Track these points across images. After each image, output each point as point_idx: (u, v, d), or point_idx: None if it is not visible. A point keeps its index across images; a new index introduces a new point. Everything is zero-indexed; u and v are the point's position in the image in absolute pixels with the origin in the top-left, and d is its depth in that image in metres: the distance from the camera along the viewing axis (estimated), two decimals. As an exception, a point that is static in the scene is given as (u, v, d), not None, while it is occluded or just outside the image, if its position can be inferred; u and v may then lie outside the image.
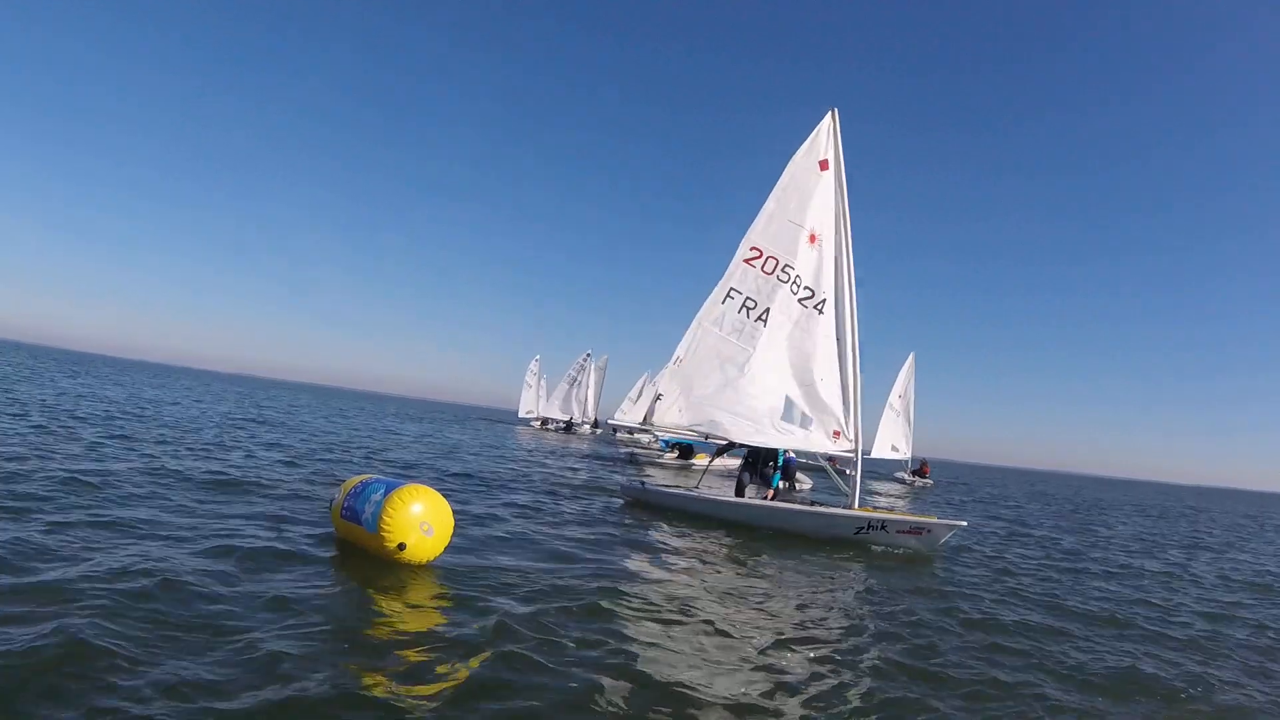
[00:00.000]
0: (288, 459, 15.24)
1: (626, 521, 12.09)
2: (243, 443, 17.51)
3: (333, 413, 43.72)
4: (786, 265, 12.71)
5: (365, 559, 6.87)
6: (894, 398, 38.37)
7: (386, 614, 5.64)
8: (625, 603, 6.58)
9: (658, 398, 33.14)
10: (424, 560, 6.64)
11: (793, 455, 24.10)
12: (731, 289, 12.98)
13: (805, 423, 12.70)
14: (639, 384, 49.69)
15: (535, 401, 61.45)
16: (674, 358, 12.82)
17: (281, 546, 7.18)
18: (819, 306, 12.57)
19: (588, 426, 54.33)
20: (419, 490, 6.62)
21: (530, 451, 28.69)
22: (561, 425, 53.60)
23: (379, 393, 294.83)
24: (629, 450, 30.97)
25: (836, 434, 12.66)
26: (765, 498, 13.22)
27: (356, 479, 7.36)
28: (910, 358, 38.93)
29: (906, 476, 37.17)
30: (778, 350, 12.81)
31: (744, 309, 12.96)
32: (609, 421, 45.39)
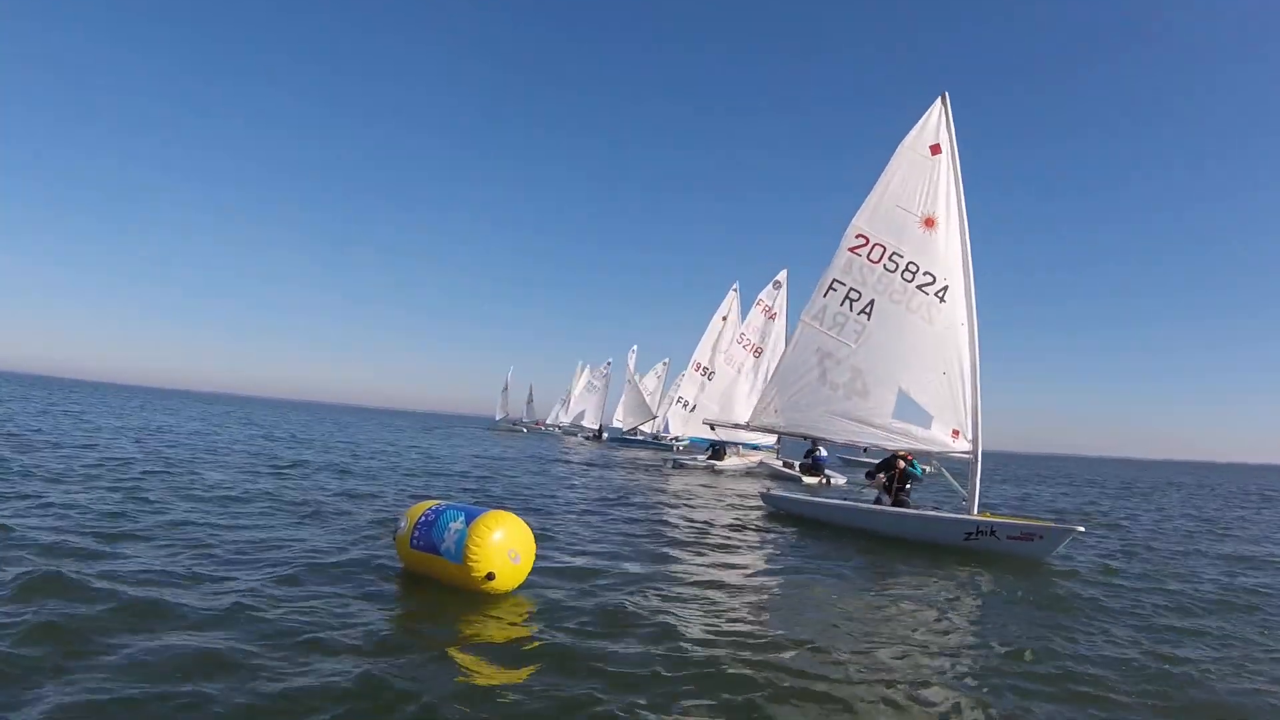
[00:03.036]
0: (329, 485, 13.33)
1: (751, 531, 10.91)
2: (279, 470, 15.45)
3: (334, 429, 40.61)
4: (895, 253, 11.09)
5: (445, 591, 6.11)
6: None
7: (490, 653, 4.86)
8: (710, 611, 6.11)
9: (679, 400, 32.04)
10: (510, 589, 6.08)
11: (823, 453, 23.03)
12: (835, 280, 11.39)
13: (924, 420, 10.91)
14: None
15: (503, 406, 68.26)
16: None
17: (353, 587, 6.21)
18: (940, 294, 10.94)
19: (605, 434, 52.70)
20: (501, 516, 6.03)
21: (580, 463, 26.54)
22: (592, 434, 51.20)
23: (324, 403, 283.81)
24: (673, 457, 28.93)
25: (955, 433, 10.87)
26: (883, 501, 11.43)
27: (423, 506, 6.54)
28: None
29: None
30: (888, 343, 11.22)
31: (847, 301, 11.35)
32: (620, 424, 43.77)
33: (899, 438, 11.27)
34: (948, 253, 11.12)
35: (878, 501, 11.87)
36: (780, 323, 27.16)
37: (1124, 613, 7.15)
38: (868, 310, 11.28)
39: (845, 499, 12.19)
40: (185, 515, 8.92)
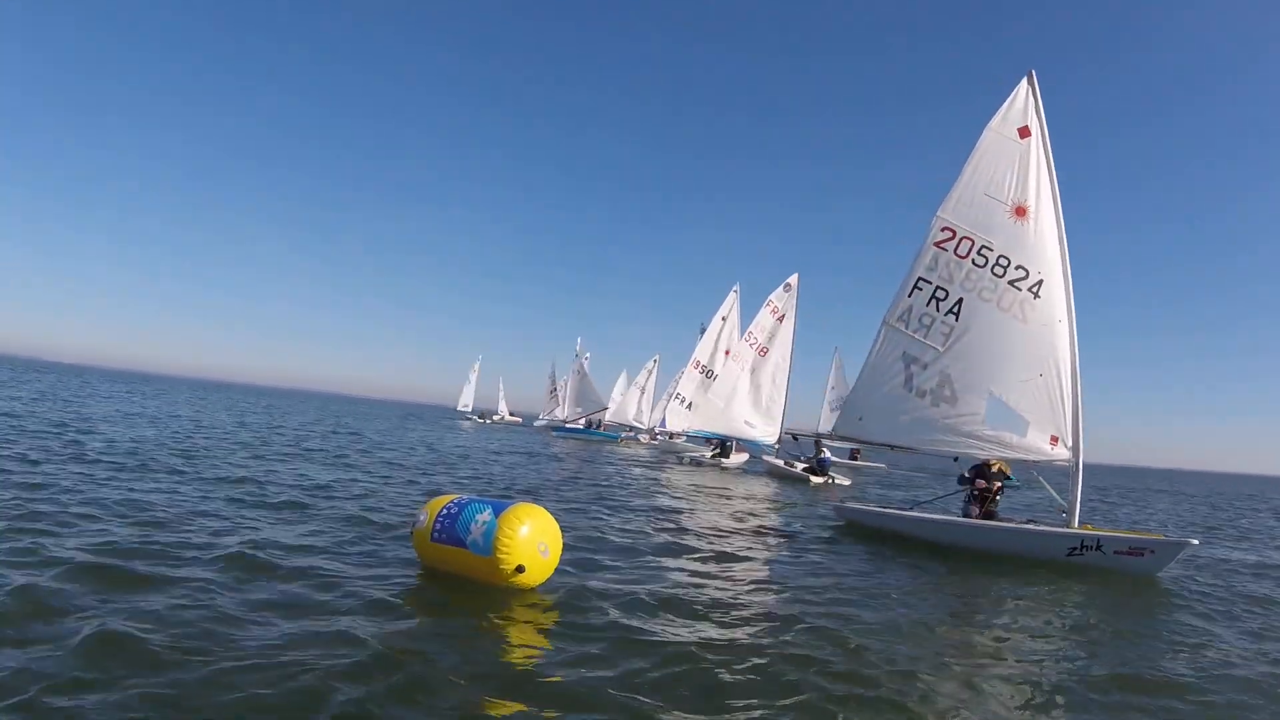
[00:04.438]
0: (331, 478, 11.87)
1: (818, 541, 9.86)
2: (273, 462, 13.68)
3: (304, 416, 38.12)
4: (984, 246, 9.75)
5: (466, 585, 5.76)
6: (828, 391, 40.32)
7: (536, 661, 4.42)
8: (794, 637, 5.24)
9: (677, 397, 31.09)
10: (537, 583, 5.78)
11: (827, 455, 22.18)
12: (920, 278, 10.06)
13: (1019, 427, 9.57)
14: (619, 382, 46.85)
15: (472, 396, 65.33)
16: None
17: (369, 582, 5.76)
18: (1035, 289, 9.64)
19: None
20: (530, 509, 5.75)
21: (579, 459, 25.18)
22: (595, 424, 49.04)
23: (280, 389, 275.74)
24: (690, 455, 27.93)
25: (1054, 439, 9.56)
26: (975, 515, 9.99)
27: (443, 500, 6.18)
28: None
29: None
30: (979, 345, 9.96)
31: (933, 300, 9.97)
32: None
33: (992, 447, 9.98)
34: (1041, 244, 9.84)
35: (965, 514, 10.50)
36: (788, 325, 26.04)
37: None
38: (956, 310, 9.95)
39: (929, 511, 10.73)
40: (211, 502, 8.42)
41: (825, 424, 40.46)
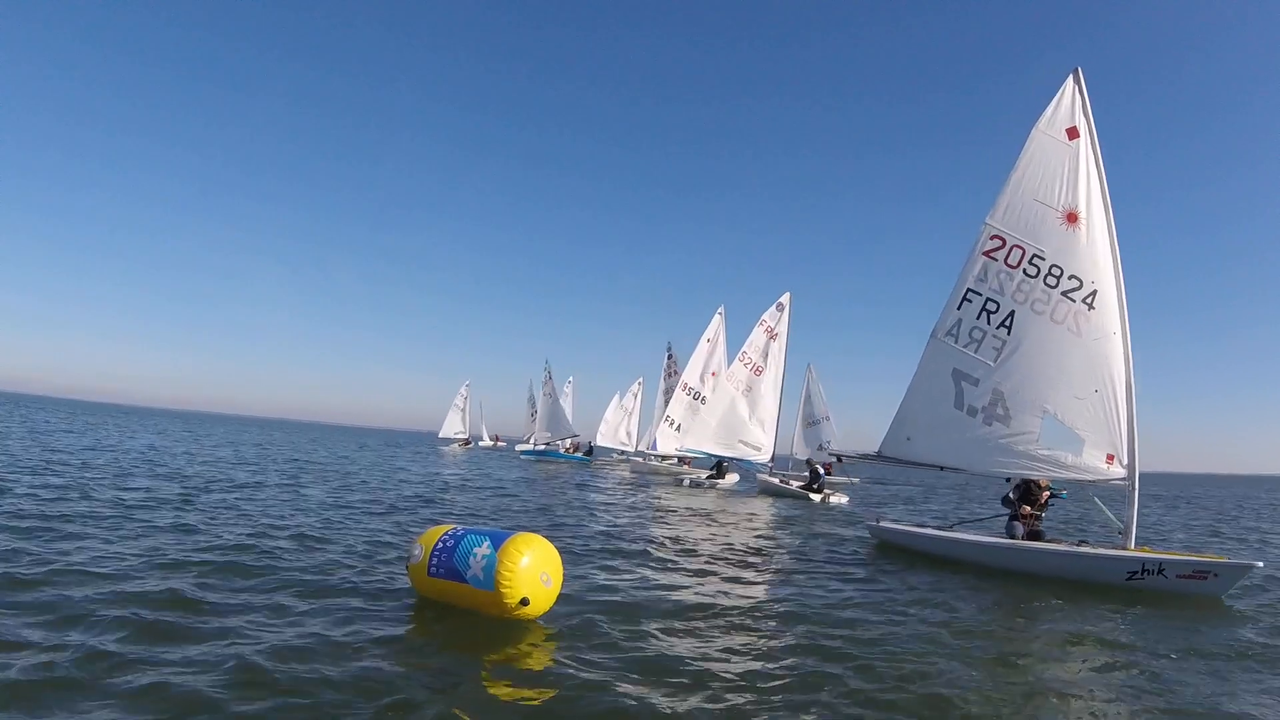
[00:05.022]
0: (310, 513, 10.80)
1: (862, 565, 9.31)
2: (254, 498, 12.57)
3: (280, 446, 36.66)
4: (1036, 255, 9.17)
5: (466, 616, 5.51)
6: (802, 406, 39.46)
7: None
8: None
9: (667, 420, 30.38)
10: (541, 613, 5.54)
11: (820, 470, 21.85)
12: (969, 290, 9.42)
13: (1074, 445, 8.92)
14: (611, 404, 45.93)
15: (463, 422, 61.52)
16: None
17: (367, 617, 5.47)
18: (1089, 300, 9.01)
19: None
20: (529, 539, 5.51)
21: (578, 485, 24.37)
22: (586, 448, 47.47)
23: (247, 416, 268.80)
24: (690, 476, 27.57)
25: (1110, 457, 8.93)
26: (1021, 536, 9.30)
27: (437, 531, 5.94)
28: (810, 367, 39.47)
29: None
30: (1032, 359, 9.33)
31: (984, 313, 9.34)
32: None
33: (1046, 466, 9.34)
34: (1093, 252, 9.26)
35: (1010, 533, 9.80)
36: (781, 344, 25.55)
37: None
38: (1008, 323, 9.32)
39: (971, 530, 10.02)
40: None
41: (800, 441, 40.12)
